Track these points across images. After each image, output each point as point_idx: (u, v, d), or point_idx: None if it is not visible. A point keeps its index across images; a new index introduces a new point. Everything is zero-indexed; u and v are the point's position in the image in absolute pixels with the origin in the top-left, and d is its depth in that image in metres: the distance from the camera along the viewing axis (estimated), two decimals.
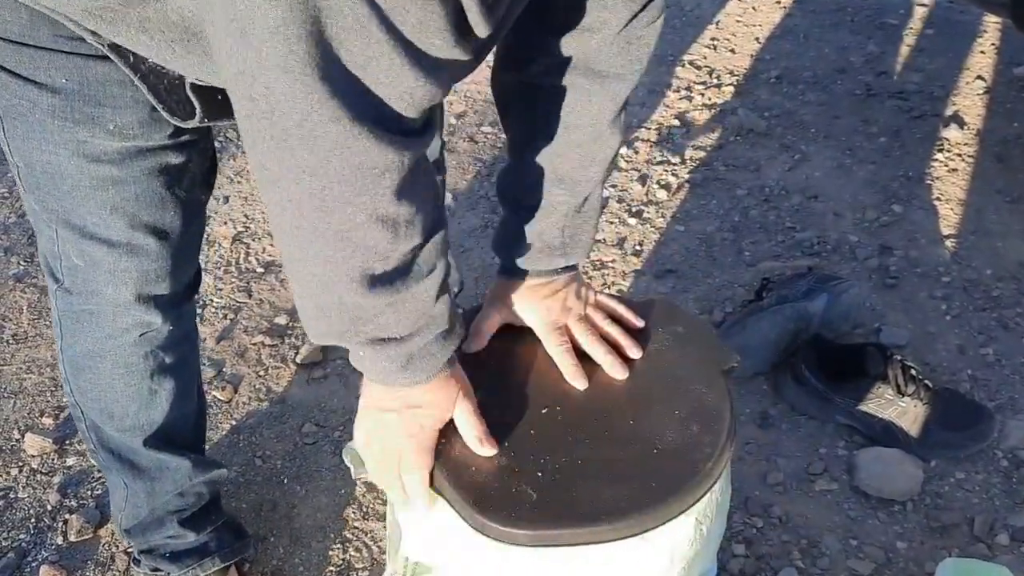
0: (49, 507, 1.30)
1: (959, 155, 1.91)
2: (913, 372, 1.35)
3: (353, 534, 1.27)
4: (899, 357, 1.36)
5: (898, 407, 1.32)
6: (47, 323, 1.57)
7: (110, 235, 0.86)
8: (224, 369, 1.50)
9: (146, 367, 0.98)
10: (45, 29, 0.74)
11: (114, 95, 0.77)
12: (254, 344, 1.55)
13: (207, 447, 1.37)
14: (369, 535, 1.27)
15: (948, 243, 1.71)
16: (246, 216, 1.80)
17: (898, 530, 1.25)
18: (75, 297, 0.94)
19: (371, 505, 1.30)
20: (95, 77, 0.76)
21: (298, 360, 1.51)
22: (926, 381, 1.35)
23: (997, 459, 1.33)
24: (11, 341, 1.55)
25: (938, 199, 1.80)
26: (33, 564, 1.23)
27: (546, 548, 0.78)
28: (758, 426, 1.39)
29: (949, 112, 2.02)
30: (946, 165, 1.89)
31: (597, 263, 1.68)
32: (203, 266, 1.69)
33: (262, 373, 1.50)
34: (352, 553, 1.25)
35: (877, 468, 1.29)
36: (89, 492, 1.32)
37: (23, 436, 1.39)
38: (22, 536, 1.27)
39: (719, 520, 0.89)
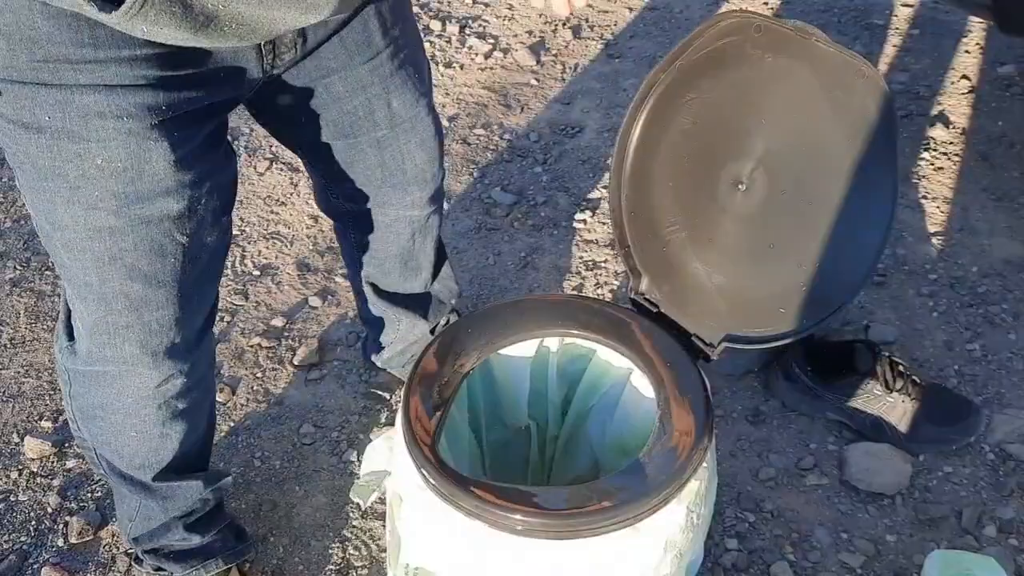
0: (49, 509, 1.31)
1: (945, 154, 1.94)
2: (901, 368, 1.37)
3: (352, 533, 1.29)
4: (887, 353, 1.39)
5: (887, 403, 1.35)
6: (44, 327, 1.58)
7: (106, 291, 0.84)
8: (222, 371, 1.51)
9: (159, 417, 0.97)
10: (23, 55, 0.72)
11: (96, 128, 0.75)
12: (251, 346, 1.56)
13: None
14: (368, 534, 1.29)
15: (935, 241, 1.73)
16: (241, 219, 1.81)
17: (887, 523, 1.27)
18: (79, 358, 0.93)
19: (370, 505, 1.32)
20: (76, 111, 0.74)
21: (295, 362, 1.52)
22: (914, 377, 1.37)
23: (984, 453, 1.36)
24: (8, 345, 1.55)
25: (924, 197, 1.83)
26: (35, 566, 1.24)
27: (541, 541, 0.80)
28: (750, 423, 1.41)
29: (935, 112, 2.05)
30: (932, 164, 1.91)
31: (590, 263, 1.70)
32: None
33: (259, 375, 1.51)
34: (351, 552, 1.27)
35: (866, 463, 1.32)
36: (89, 495, 1.33)
37: (22, 439, 1.40)
38: (23, 539, 1.28)
39: (707, 507, 0.91)
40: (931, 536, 1.25)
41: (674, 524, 0.86)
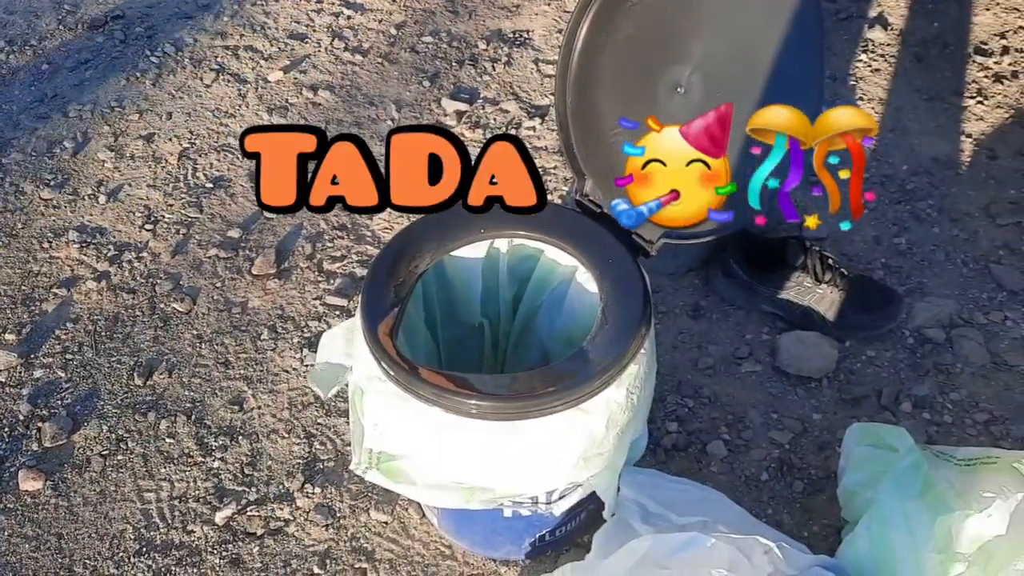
0: (21, 417, 1.36)
1: (882, 55, 1.99)
2: (830, 261, 1.46)
3: (317, 429, 1.36)
4: (817, 248, 1.47)
5: (816, 294, 1.44)
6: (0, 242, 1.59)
7: None
8: (181, 282, 1.55)
9: None
10: None
11: None
12: (209, 257, 1.59)
13: (170, 359, 1.43)
14: (332, 430, 1.36)
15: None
16: (191, 132, 1.80)
17: (814, 403, 1.38)
18: None
19: (333, 403, 1.39)
20: None
21: (253, 271, 1.56)
22: (842, 269, 1.47)
23: (904, 337, 1.47)
24: None
25: (860, 99, 1.90)
26: (12, 469, 1.30)
27: (494, 423, 0.88)
28: (690, 317, 1.50)
29: (874, 13, 2.10)
30: (869, 65, 1.97)
31: (540, 169, 1.74)
32: (152, 183, 1.71)
33: (219, 284, 1.55)
34: (317, 447, 1.34)
35: (797, 350, 1.42)
36: (59, 401, 1.38)
37: None
38: None
39: (647, 390, 0.99)
40: (853, 413, 1.37)
41: (615, 404, 0.94)
